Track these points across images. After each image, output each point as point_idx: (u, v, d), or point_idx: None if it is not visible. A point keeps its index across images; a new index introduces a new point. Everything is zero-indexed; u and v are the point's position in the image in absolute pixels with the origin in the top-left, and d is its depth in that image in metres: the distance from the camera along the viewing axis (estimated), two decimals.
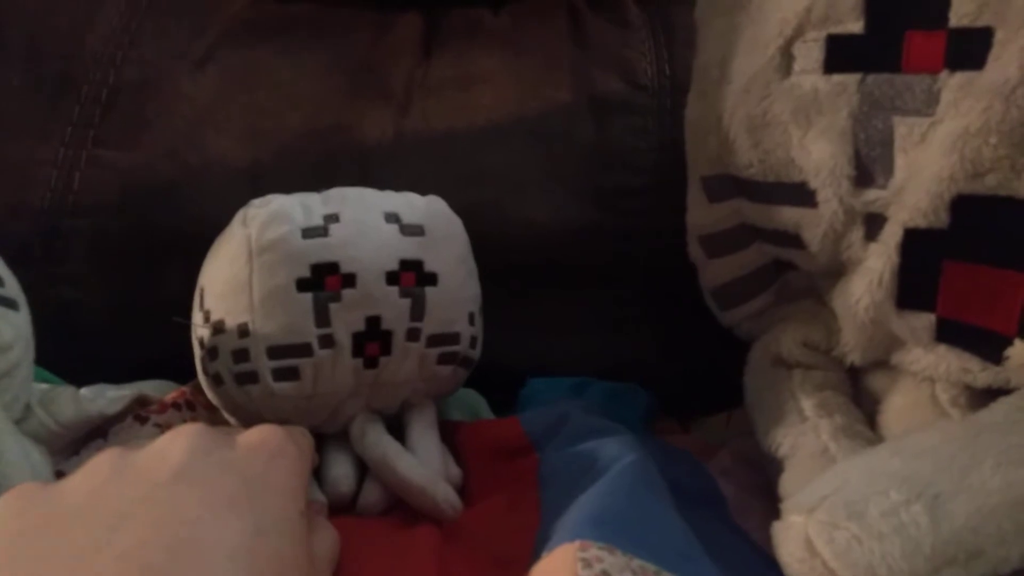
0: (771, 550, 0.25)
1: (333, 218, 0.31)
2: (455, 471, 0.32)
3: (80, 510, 0.20)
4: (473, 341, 0.34)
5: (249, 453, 0.23)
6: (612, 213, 0.44)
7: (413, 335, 0.31)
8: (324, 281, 0.30)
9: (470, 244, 0.35)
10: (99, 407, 0.32)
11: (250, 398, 0.31)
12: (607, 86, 0.46)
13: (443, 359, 0.33)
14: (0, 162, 0.43)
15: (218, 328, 0.31)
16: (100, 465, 0.22)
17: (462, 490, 0.32)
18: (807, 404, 0.31)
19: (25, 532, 0.20)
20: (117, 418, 0.33)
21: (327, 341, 0.30)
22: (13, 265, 0.33)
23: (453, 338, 0.33)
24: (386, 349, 0.31)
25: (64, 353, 0.36)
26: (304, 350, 0.30)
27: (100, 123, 0.44)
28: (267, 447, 0.24)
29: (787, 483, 0.29)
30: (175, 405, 0.34)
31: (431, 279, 0.32)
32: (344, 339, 0.30)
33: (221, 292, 0.31)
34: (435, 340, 0.32)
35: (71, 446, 0.32)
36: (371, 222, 0.32)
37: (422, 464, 0.31)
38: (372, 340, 0.31)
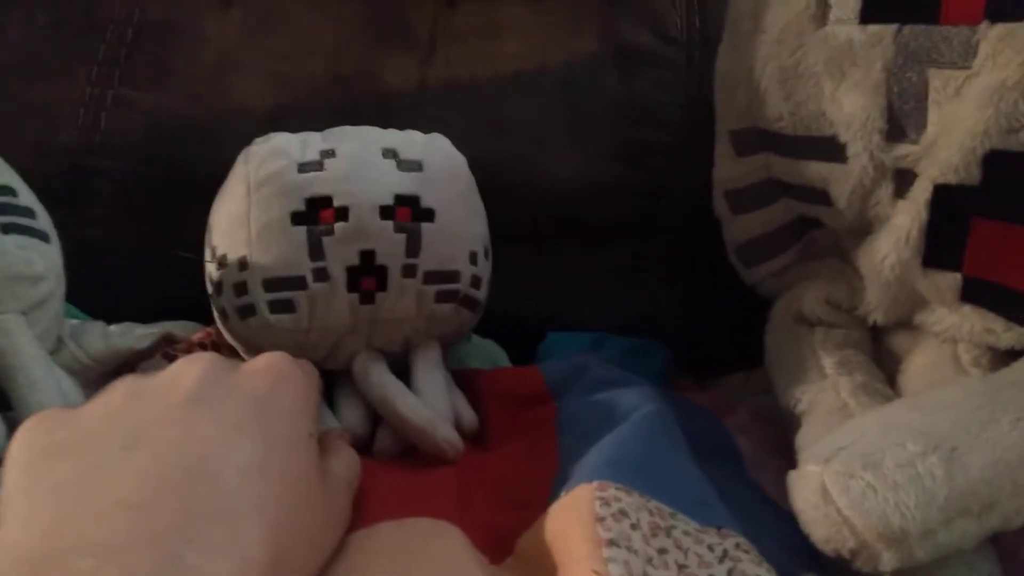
0: (785, 503, 0.25)
1: (329, 153, 0.31)
2: (469, 415, 0.32)
3: (97, 430, 0.21)
4: (476, 281, 0.34)
5: (256, 377, 0.24)
6: (636, 168, 0.44)
7: (409, 271, 0.31)
8: (318, 215, 0.30)
9: (474, 183, 0.35)
10: (128, 342, 0.33)
11: (251, 331, 0.31)
12: (635, 38, 0.46)
13: (442, 297, 0.32)
14: (28, 101, 0.43)
15: (222, 263, 0.31)
16: (116, 390, 0.23)
17: (481, 435, 0.33)
18: (828, 361, 0.31)
19: (47, 451, 0.21)
20: (146, 355, 0.33)
21: (321, 274, 0.30)
22: (41, 203, 0.33)
23: (452, 276, 0.32)
24: (382, 284, 0.31)
25: (90, 292, 0.37)
26: (298, 283, 0.30)
27: (125, 62, 0.44)
28: (273, 371, 0.24)
29: (804, 437, 0.29)
30: (201, 345, 0.35)
31: (428, 215, 0.31)
32: (338, 273, 0.30)
33: (223, 228, 0.32)
34: (432, 277, 0.32)
35: (101, 380, 0.32)
36: (367, 157, 0.32)
37: (426, 404, 0.31)
38: (367, 275, 0.31)
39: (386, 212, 0.31)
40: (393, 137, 0.34)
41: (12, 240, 0.30)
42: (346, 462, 0.26)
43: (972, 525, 0.22)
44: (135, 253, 0.43)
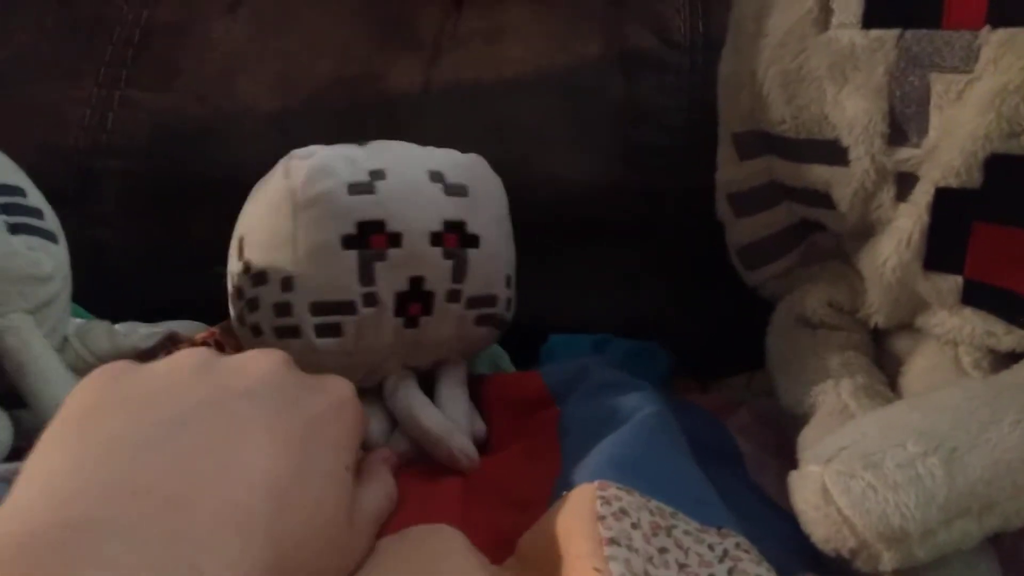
0: (786, 504, 0.25)
1: (379, 174, 0.31)
2: (480, 426, 0.33)
3: (154, 398, 0.21)
4: (509, 303, 0.34)
5: (317, 397, 0.24)
6: (639, 171, 0.44)
7: (454, 296, 0.31)
8: (370, 239, 0.30)
9: (507, 204, 0.35)
10: (133, 342, 0.33)
11: (290, 351, 0.31)
12: (639, 41, 0.46)
13: (480, 321, 0.33)
14: (36, 102, 0.43)
15: (259, 280, 0.31)
16: (186, 360, 0.23)
17: (484, 440, 0.33)
18: (829, 363, 0.31)
19: (100, 407, 0.21)
20: (150, 354, 0.33)
21: (371, 299, 0.30)
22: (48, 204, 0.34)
23: (491, 300, 0.33)
24: (427, 309, 0.31)
25: (96, 292, 0.37)
26: (348, 307, 0.30)
27: (132, 64, 0.44)
28: (334, 396, 0.24)
29: (806, 438, 0.29)
30: (205, 344, 0.35)
31: (473, 241, 0.32)
32: (387, 298, 0.30)
33: (263, 243, 0.31)
34: (474, 302, 0.32)
35: None
36: (416, 180, 0.31)
37: (446, 417, 0.31)
38: (414, 300, 0.31)
39: (436, 238, 0.31)
40: (437, 159, 0.33)
41: (20, 240, 0.30)
42: (379, 492, 0.26)
43: (972, 525, 0.22)
44: (141, 253, 0.43)
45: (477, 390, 0.35)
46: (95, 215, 0.43)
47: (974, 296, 0.27)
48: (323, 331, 0.30)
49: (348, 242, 0.30)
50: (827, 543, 0.23)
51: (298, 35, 0.46)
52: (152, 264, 0.43)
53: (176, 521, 0.18)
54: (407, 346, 0.32)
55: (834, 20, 0.29)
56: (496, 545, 0.24)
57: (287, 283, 0.30)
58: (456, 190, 0.32)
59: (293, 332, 0.30)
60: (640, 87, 0.45)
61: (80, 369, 0.32)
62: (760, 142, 0.34)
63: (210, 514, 0.18)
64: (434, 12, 0.47)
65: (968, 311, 0.28)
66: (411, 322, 0.31)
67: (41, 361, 0.28)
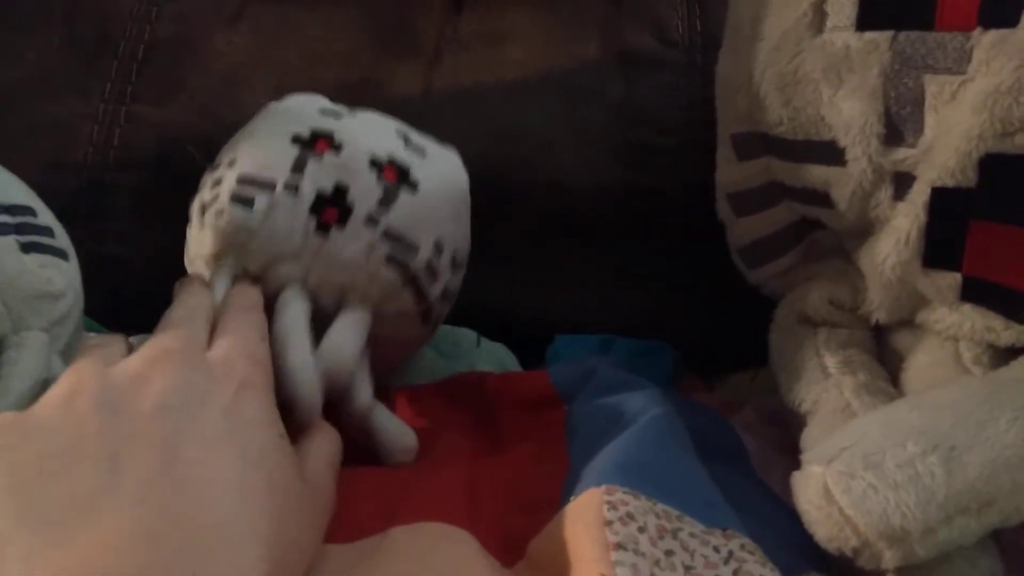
0: (792, 502, 0.26)
1: (351, 114, 0.34)
2: (365, 395, 0.31)
3: (73, 447, 0.20)
4: (432, 270, 0.33)
5: (223, 385, 0.23)
6: (641, 171, 0.44)
7: (371, 221, 0.32)
8: (316, 143, 0.32)
9: (469, 204, 0.36)
10: None
11: (204, 228, 0.32)
12: (638, 42, 0.46)
13: (392, 261, 0.32)
14: (45, 120, 0.44)
15: (215, 167, 0.33)
16: (81, 399, 0.21)
17: (491, 439, 0.33)
18: (831, 361, 0.31)
19: (25, 468, 0.19)
20: None
21: (293, 188, 0.31)
22: (59, 220, 0.34)
23: (410, 247, 0.32)
24: (342, 220, 0.31)
25: (108, 305, 0.38)
26: (269, 186, 0.31)
27: (137, 79, 0.45)
28: (235, 376, 0.24)
29: (809, 437, 0.30)
30: None
31: (412, 185, 0.33)
32: (308, 192, 0.31)
33: (233, 142, 0.34)
34: (390, 236, 0.32)
35: None
36: (382, 128, 0.34)
37: (329, 347, 0.30)
38: (333, 206, 0.32)
39: (375, 164, 0.32)
40: (410, 128, 0.36)
41: (33, 259, 0.30)
42: (326, 438, 0.27)
43: (972, 523, 0.22)
44: (152, 266, 0.43)
45: (484, 387, 0.35)
46: (105, 230, 0.43)
47: (973, 292, 0.28)
48: (237, 199, 0.31)
49: (296, 139, 0.32)
50: (830, 542, 0.23)
51: (298, 45, 0.46)
52: (163, 276, 0.43)
53: (158, 553, 0.18)
54: (311, 255, 0.31)
55: (828, 23, 0.29)
56: (505, 548, 0.25)
57: (232, 163, 0.32)
58: (415, 149, 0.34)
59: (214, 201, 0.32)
60: (639, 87, 0.45)
61: None
62: (758, 143, 0.34)
63: (189, 540, 0.18)
64: (433, 17, 0.48)
65: (967, 307, 0.28)
66: (322, 228, 0.31)
67: (18, 378, 0.26)
